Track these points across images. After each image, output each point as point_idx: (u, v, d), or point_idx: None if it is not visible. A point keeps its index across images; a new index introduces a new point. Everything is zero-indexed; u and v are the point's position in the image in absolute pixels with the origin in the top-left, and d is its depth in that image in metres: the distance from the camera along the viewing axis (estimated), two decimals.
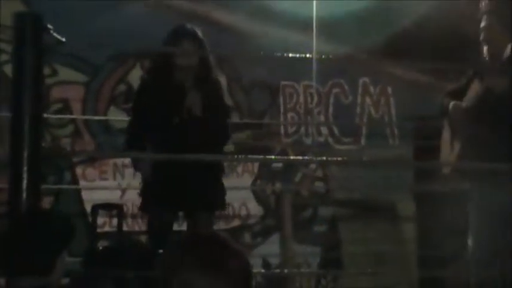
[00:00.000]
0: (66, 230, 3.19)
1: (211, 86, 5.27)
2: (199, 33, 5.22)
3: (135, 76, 6.97)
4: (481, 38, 4.76)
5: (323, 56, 7.11)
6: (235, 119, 7.71)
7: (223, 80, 5.90)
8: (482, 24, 4.75)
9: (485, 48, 4.76)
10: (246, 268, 2.13)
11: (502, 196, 4.50)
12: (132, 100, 5.55)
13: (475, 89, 4.74)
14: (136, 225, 7.03)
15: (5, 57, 6.84)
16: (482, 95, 4.67)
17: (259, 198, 7.77)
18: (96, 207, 5.56)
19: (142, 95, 5.32)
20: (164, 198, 5.14)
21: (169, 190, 5.12)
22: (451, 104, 4.82)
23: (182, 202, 5.18)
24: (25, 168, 3.31)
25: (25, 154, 3.32)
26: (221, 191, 5.33)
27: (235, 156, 7.73)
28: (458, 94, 4.83)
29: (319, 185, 7.96)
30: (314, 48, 7.18)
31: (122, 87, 7.31)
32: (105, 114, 7.19)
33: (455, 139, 4.82)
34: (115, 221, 5.74)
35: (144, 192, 5.28)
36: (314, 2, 7.48)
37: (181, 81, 5.19)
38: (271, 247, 7.60)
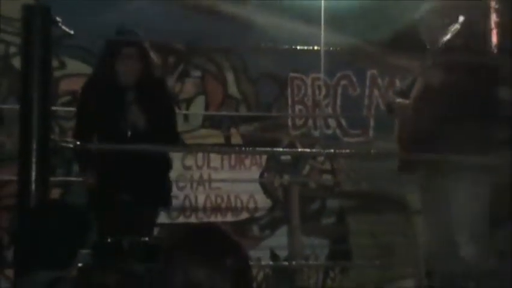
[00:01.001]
0: (86, 223, 3.19)
1: (156, 91, 5.22)
2: (141, 38, 5.20)
3: None
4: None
5: (331, 48, 7.07)
6: (243, 111, 7.72)
7: (168, 81, 5.85)
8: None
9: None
10: (243, 261, 2.14)
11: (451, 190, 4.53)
12: (77, 106, 5.48)
13: (417, 86, 4.76)
14: None
15: (13, 49, 6.86)
16: (422, 90, 4.68)
17: (267, 190, 7.77)
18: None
19: (86, 104, 5.26)
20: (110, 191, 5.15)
21: (114, 183, 5.12)
22: (395, 102, 4.87)
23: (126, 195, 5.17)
24: (34, 160, 3.32)
25: (34, 146, 3.33)
26: (166, 187, 5.35)
27: (243, 148, 7.73)
28: (405, 93, 4.85)
29: (327, 177, 7.96)
30: (322, 40, 7.16)
31: None
32: None
33: (403, 136, 4.84)
34: None
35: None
36: None
37: (124, 91, 5.14)
38: (279, 239, 7.60)
